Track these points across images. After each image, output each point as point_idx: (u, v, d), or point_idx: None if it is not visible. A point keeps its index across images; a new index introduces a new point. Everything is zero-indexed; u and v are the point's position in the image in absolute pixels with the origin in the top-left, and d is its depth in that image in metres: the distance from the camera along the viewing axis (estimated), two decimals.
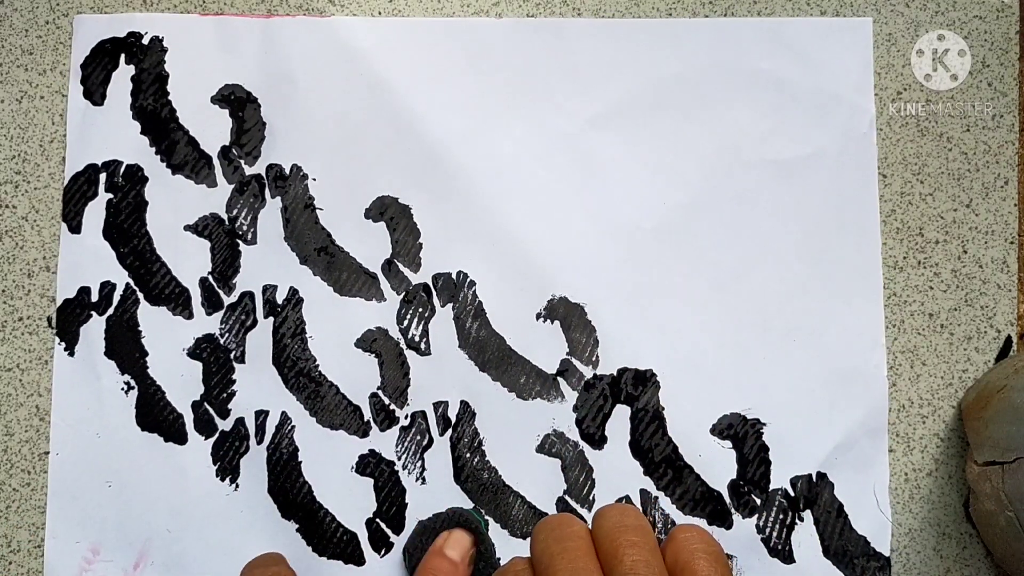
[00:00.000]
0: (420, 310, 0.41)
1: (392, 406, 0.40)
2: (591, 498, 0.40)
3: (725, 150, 0.41)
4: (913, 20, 0.42)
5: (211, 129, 0.41)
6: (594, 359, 0.40)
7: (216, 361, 0.40)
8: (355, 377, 0.40)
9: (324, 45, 0.41)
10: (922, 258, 0.41)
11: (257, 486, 0.40)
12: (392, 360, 0.40)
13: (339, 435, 0.40)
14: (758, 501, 0.40)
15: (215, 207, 0.41)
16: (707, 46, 0.41)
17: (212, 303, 0.40)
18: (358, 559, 0.39)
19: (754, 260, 0.41)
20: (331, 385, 0.40)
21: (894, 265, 0.41)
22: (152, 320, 0.40)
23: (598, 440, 0.40)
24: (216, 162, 0.41)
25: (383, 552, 0.39)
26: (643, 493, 0.40)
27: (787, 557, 0.40)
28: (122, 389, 0.40)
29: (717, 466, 0.40)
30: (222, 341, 0.40)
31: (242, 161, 0.41)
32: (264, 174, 0.41)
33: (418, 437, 0.40)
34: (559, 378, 0.40)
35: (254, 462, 0.40)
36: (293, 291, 0.41)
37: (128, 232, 0.41)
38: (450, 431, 0.40)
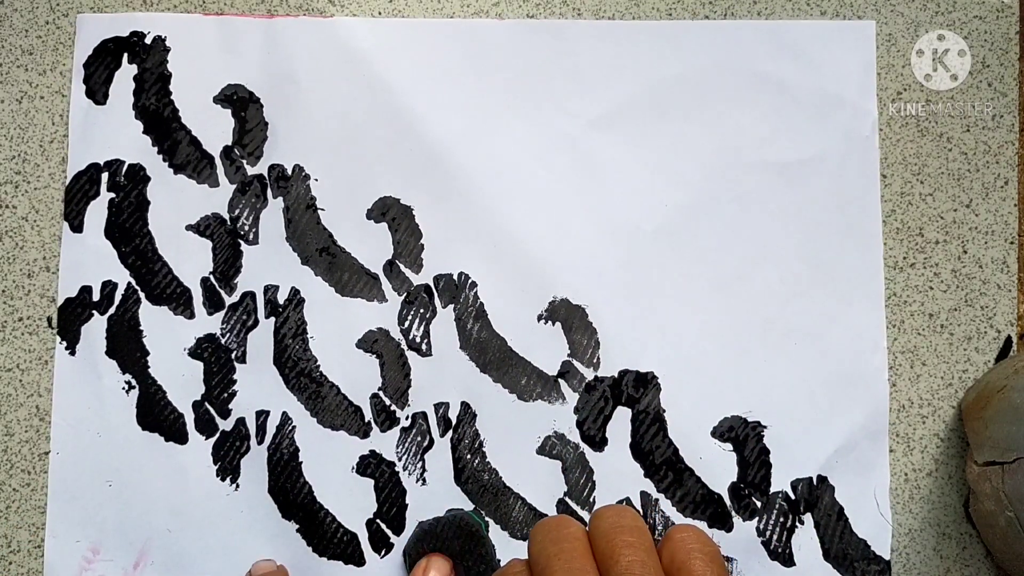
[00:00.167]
0: (421, 311, 0.41)
1: (393, 407, 0.40)
2: (591, 500, 0.40)
3: (726, 152, 0.41)
4: (913, 20, 0.42)
5: (213, 129, 0.41)
6: (595, 361, 0.40)
7: (217, 361, 0.40)
8: (356, 378, 0.40)
9: (326, 46, 0.41)
10: (922, 258, 0.41)
11: (257, 486, 0.39)
12: (393, 361, 0.40)
13: (340, 436, 0.40)
14: (759, 504, 0.40)
15: (217, 207, 0.41)
16: (708, 48, 0.42)
17: (213, 303, 0.40)
18: (358, 560, 0.39)
19: (755, 262, 0.41)
20: (332, 386, 0.40)
21: (894, 265, 0.41)
22: (153, 320, 0.40)
23: (599, 442, 0.40)
24: (218, 162, 0.41)
25: (383, 553, 0.39)
26: (643, 495, 0.40)
27: (787, 560, 0.40)
28: (123, 389, 0.40)
29: (718, 469, 0.40)
30: (223, 341, 0.40)
31: (244, 161, 0.41)
32: (266, 174, 0.41)
33: (419, 438, 0.40)
34: (560, 380, 0.40)
35: (255, 462, 0.40)
36: (294, 291, 0.41)
37: (130, 231, 0.41)
38: (451, 432, 0.40)
